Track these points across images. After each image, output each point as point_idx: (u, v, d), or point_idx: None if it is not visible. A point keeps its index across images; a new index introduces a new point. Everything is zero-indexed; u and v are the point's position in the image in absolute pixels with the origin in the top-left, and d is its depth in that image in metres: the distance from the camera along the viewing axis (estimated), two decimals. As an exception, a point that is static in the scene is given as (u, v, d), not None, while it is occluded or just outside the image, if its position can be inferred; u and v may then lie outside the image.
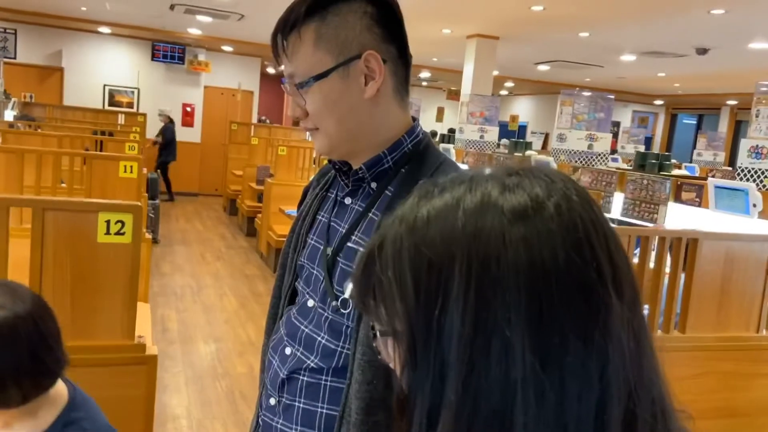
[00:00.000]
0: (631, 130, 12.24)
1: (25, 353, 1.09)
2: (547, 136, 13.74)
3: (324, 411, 0.95)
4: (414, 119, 1.02)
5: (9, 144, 4.17)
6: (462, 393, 0.46)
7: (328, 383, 0.95)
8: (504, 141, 9.64)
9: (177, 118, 10.95)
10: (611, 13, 6.30)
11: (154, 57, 10.65)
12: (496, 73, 8.82)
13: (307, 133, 1.06)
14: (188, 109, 11.11)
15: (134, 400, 1.79)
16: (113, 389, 1.77)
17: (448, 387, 0.46)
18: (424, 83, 14.33)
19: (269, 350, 1.07)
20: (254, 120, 11.57)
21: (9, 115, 7.41)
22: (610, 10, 6.15)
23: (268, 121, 12.05)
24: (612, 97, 7.29)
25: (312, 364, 0.97)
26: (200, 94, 11.15)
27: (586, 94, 7.20)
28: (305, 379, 0.97)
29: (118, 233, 1.79)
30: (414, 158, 0.98)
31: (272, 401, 1.02)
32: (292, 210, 5.84)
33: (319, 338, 0.97)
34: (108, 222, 1.78)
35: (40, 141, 4.54)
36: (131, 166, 3.32)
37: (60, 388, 1.18)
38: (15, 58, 9.72)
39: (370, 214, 0.96)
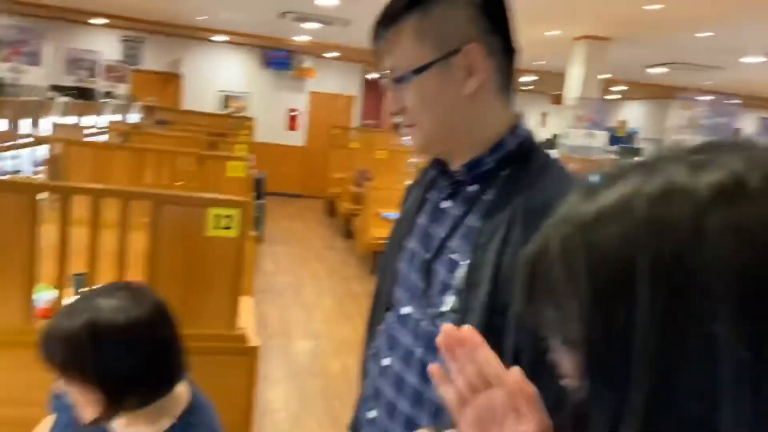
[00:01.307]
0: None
1: (143, 358, 1.07)
2: (658, 143, 12.98)
3: (422, 421, 0.91)
4: (519, 117, 0.95)
5: (133, 143, 4.50)
6: (653, 402, 0.41)
7: (432, 398, 0.90)
8: (613, 147, 9.20)
9: (283, 123, 11.39)
10: (736, 11, 5.84)
11: (264, 64, 11.14)
12: (605, 76, 8.45)
13: (404, 138, 1.03)
14: (293, 113, 11.51)
15: (236, 389, 1.85)
16: (216, 378, 1.82)
17: (635, 397, 0.42)
18: (527, 87, 14.00)
19: (369, 359, 1.05)
20: (355, 124, 11.80)
21: (134, 117, 8.01)
22: (735, 7, 5.70)
23: (369, 125, 12.24)
24: (737, 101, 6.76)
25: (410, 378, 0.93)
26: (305, 99, 11.53)
27: (706, 98, 6.72)
28: (406, 412, 0.93)
29: (225, 227, 1.86)
30: (518, 159, 0.91)
31: (371, 414, 0.99)
32: (390, 213, 5.87)
33: (416, 350, 0.93)
34: (217, 216, 1.86)
35: (160, 142, 4.86)
36: (239, 166, 3.47)
37: (181, 391, 1.15)
38: (141, 65, 10.54)
39: (468, 221, 0.90)
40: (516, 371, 0.57)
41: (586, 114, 7.68)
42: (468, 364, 0.60)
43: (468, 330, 0.61)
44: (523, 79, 12.04)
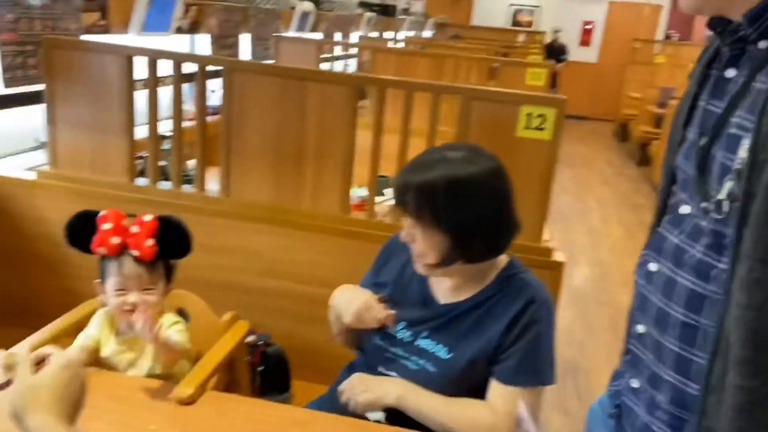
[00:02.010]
0: None
1: (491, 206, 1.13)
2: None
3: (702, 328, 0.76)
4: None
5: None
6: None
7: (713, 295, 0.74)
8: None
9: (575, 37, 10.61)
10: None
11: (559, -28, 10.40)
12: None
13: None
14: (587, 27, 10.63)
15: (537, 304, 1.73)
16: (518, 289, 1.73)
17: None
18: None
19: (637, 268, 0.91)
20: (660, 37, 10.42)
21: (427, 34, 8.22)
22: None
23: (677, 37, 10.68)
24: None
25: (683, 281, 0.78)
26: (603, 10, 10.52)
27: None
28: (680, 318, 0.78)
29: (538, 128, 1.69)
30: None
31: (640, 329, 0.87)
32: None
33: (693, 251, 0.78)
34: (529, 116, 1.69)
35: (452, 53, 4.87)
36: (540, 74, 3.25)
37: (502, 258, 1.25)
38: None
39: (756, 84, 0.70)
40: None
41: None
42: None
43: None
44: None
